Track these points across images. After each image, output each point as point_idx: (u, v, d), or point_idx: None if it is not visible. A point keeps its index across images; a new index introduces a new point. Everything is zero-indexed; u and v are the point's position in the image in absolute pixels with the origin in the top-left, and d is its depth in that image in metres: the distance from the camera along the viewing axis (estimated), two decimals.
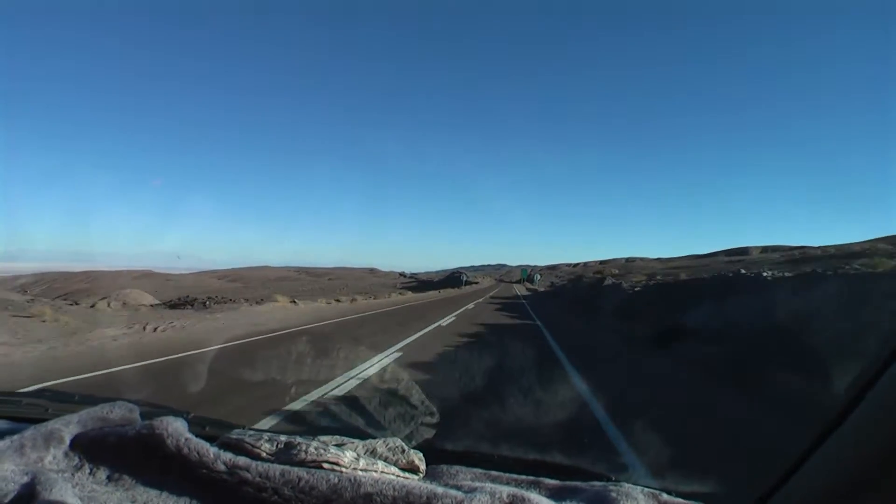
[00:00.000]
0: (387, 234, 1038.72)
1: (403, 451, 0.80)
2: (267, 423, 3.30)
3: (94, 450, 0.75)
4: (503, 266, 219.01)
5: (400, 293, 31.37)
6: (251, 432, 0.80)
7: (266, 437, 0.76)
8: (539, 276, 64.56)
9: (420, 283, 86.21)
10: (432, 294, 35.14)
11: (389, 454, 0.79)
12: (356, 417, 1.53)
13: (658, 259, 77.77)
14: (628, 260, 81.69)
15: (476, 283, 75.86)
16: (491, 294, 36.29)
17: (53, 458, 0.74)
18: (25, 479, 0.68)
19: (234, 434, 0.78)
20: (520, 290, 52.24)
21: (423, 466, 0.80)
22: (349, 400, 4.06)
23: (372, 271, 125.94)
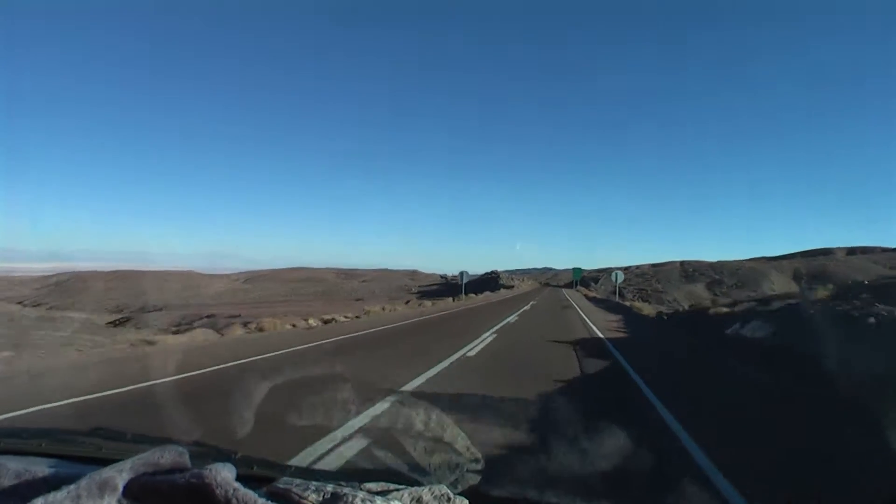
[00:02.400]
0: (435, 236, 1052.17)
1: (449, 499, 0.84)
2: None
3: (146, 498, 0.83)
4: (549, 269, 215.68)
5: (420, 304, 29.17)
6: (298, 481, 0.86)
7: (313, 487, 0.82)
8: (621, 276, 37.39)
9: (449, 287, 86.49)
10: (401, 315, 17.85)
11: (435, 503, 0.84)
12: (401, 462, 1.61)
13: (720, 262, 74.05)
14: (683, 263, 78.20)
15: (511, 286, 67.27)
16: (508, 320, 15.57)
17: None
18: None
19: (282, 483, 0.84)
20: (582, 306, 27.10)
21: None
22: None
23: (413, 273, 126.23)
